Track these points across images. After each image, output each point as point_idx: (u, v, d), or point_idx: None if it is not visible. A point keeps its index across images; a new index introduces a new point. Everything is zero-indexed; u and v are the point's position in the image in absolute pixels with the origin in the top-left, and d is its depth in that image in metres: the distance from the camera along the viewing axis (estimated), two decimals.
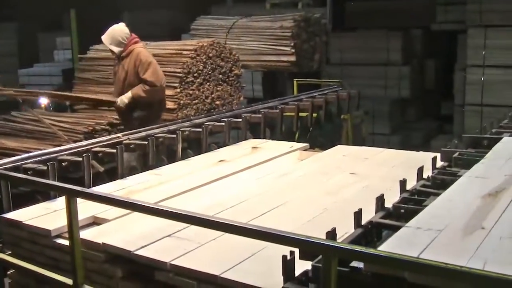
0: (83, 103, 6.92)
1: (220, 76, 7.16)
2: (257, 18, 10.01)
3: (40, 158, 4.30)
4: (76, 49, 12.89)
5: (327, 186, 3.76)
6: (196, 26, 10.45)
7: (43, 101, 7.15)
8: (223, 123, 5.48)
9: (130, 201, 2.81)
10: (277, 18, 9.62)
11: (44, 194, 3.96)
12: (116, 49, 5.75)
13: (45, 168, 4.08)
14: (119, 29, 5.78)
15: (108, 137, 4.97)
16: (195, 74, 6.79)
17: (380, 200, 2.83)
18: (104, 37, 5.78)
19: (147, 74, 5.59)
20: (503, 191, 2.75)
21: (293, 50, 9.00)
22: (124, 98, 5.63)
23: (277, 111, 6.19)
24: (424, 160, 3.67)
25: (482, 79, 9.80)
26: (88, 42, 8.22)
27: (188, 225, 2.83)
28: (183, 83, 6.64)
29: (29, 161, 4.22)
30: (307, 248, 2.14)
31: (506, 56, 9.66)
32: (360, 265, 2.09)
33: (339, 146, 5.35)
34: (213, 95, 7.02)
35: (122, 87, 5.78)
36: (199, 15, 10.87)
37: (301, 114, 6.65)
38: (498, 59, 9.72)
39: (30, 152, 4.63)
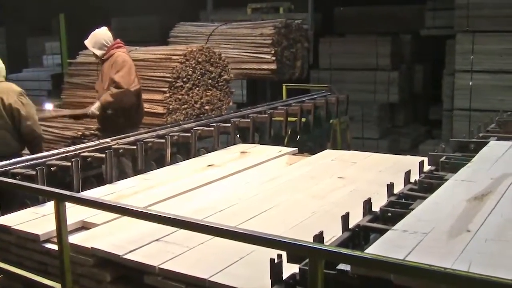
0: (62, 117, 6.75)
1: (210, 81, 7.17)
2: (237, 25, 9.84)
3: (28, 163, 4.29)
4: (65, 54, 12.87)
5: (315, 190, 3.78)
6: (175, 33, 10.23)
7: (48, 106, 7.24)
8: (212, 128, 5.48)
9: (119, 205, 2.81)
10: (257, 25, 9.48)
11: (32, 198, 3.95)
12: (99, 52, 5.78)
13: (33, 173, 4.08)
14: (102, 33, 5.83)
15: (96, 142, 4.96)
16: (184, 79, 6.79)
17: (368, 203, 2.86)
18: (87, 41, 5.83)
19: (117, 74, 5.56)
20: (489, 194, 2.77)
21: (273, 58, 8.85)
22: (94, 109, 5.61)
23: (266, 115, 6.20)
24: (412, 164, 3.69)
25: (470, 84, 9.85)
26: (77, 47, 8.20)
27: (176, 229, 2.83)
28: (172, 88, 6.64)
29: (17, 166, 4.21)
30: (294, 251, 2.15)
31: (494, 61, 9.71)
32: (347, 267, 2.11)
33: (327, 150, 5.37)
34: (202, 100, 7.01)
35: (102, 90, 5.78)
36: (189, 20, 10.81)
37: (290, 118, 6.67)
38: (486, 64, 9.77)
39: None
